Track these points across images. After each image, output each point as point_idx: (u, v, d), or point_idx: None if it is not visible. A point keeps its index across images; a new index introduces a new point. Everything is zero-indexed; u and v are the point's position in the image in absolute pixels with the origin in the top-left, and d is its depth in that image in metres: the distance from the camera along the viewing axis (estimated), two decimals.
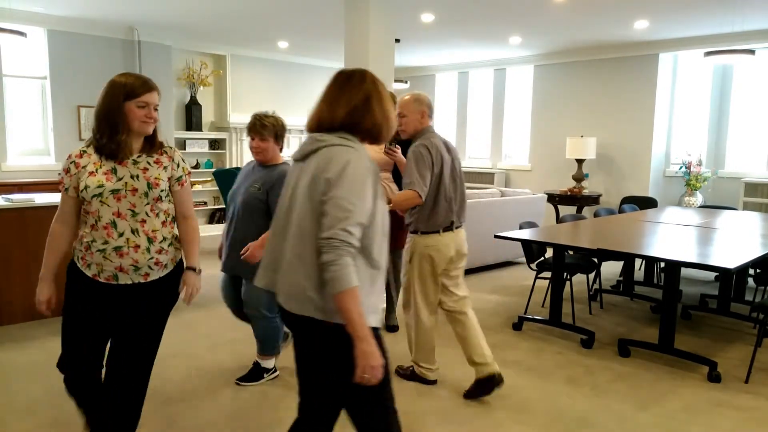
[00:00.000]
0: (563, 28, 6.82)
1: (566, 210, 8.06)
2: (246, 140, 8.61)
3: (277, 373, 3.36)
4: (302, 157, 1.76)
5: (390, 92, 3.93)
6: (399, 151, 3.81)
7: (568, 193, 7.88)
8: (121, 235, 2.06)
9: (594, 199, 7.88)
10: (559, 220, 5.64)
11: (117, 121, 2.05)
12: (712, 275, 6.08)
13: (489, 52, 8.63)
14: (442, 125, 10.27)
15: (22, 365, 3.53)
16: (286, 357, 3.73)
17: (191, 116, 8.31)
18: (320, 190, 1.63)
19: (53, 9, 6.29)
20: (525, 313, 4.61)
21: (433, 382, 3.32)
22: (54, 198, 4.58)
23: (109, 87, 2.10)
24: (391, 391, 1.81)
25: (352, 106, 1.72)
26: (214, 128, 8.74)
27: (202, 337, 4.03)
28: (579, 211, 7.81)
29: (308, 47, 8.42)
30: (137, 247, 2.08)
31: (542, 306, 4.91)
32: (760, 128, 7.40)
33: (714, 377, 3.44)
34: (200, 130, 8.44)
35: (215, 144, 8.64)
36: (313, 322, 1.66)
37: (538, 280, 4.80)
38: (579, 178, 7.95)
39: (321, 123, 1.76)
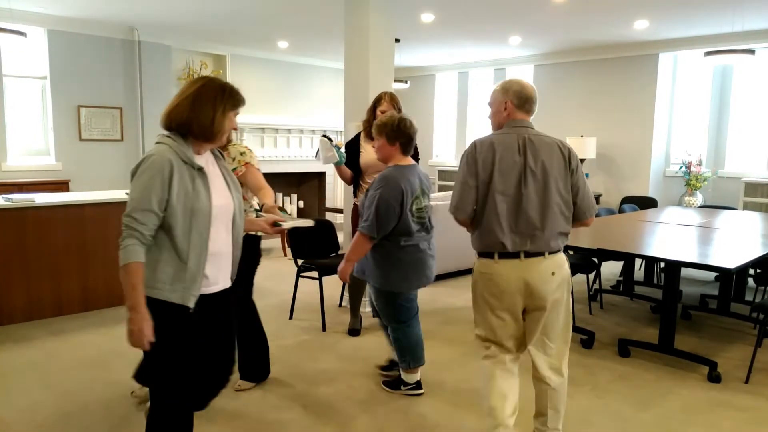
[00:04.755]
0: (563, 28, 6.82)
1: None
2: (246, 140, 8.66)
3: (421, 391, 3.20)
4: None
5: (390, 92, 3.93)
6: None
7: None
8: None
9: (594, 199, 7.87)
10: None
11: None
12: (712, 275, 6.08)
13: (489, 52, 8.63)
14: (442, 125, 10.27)
15: (22, 365, 3.53)
16: (283, 362, 3.73)
17: None
18: None
19: (53, 9, 6.28)
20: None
21: None
22: (54, 198, 4.58)
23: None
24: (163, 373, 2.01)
25: (173, 106, 2.00)
26: None
27: None
28: None
29: (308, 47, 8.42)
30: None
31: None
32: (760, 128, 7.39)
33: (714, 377, 3.44)
34: None
35: None
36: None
37: None
38: None
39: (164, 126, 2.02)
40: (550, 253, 2.38)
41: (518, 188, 2.36)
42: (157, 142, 1.97)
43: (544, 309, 2.38)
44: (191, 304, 1.95)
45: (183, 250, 1.92)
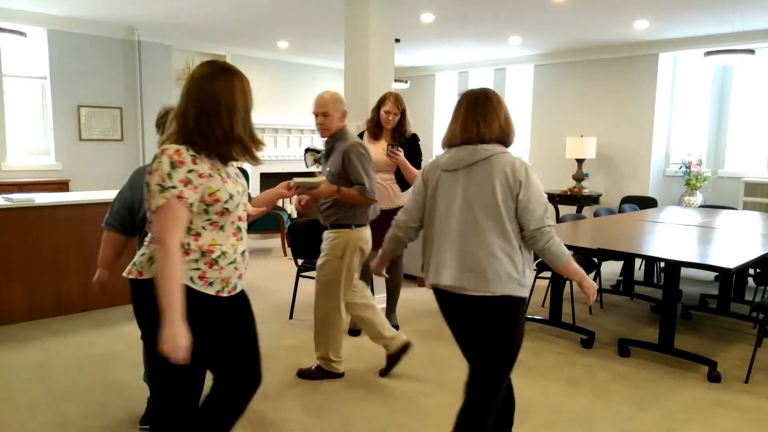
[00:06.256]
0: (563, 28, 6.82)
1: (566, 210, 8.06)
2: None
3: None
4: (466, 165, 2.10)
5: (395, 93, 3.95)
6: (401, 153, 3.82)
7: (568, 193, 7.88)
8: (242, 238, 1.91)
9: (594, 199, 7.88)
10: (559, 219, 5.64)
11: (250, 123, 1.88)
12: (712, 275, 6.08)
13: (489, 51, 8.63)
14: (442, 125, 10.27)
15: (22, 365, 3.53)
16: (292, 358, 3.73)
17: None
18: (515, 191, 2.04)
19: (53, 9, 6.29)
20: (525, 313, 4.60)
21: (341, 375, 3.39)
22: (54, 198, 4.58)
23: (245, 84, 1.90)
24: None
25: (501, 121, 2.14)
26: None
27: None
28: (579, 210, 7.81)
29: (308, 47, 8.42)
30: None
31: (542, 306, 4.91)
32: (760, 128, 7.39)
33: (714, 377, 3.44)
34: None
35: None
36: (509, 300, 2.15)
37: (537, 280, 4.80)
38: (579, 177, 7.95)
39: (480, 136, 2.11)
40: None
41: None
42: (501, 152, 2.12)
43: None
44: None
45: None
